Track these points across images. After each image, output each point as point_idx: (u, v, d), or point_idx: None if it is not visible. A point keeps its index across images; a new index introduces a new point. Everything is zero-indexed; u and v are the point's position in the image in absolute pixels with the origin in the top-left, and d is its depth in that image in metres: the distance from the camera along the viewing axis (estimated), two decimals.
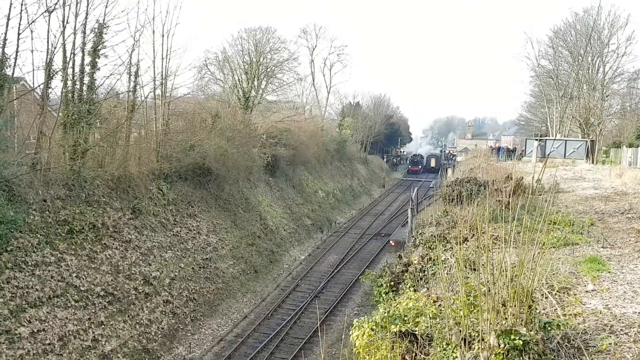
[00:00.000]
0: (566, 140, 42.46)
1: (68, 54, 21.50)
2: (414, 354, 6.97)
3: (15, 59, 19.21)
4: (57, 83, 21.49)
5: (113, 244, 21.36)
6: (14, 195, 18.00)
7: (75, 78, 22.06)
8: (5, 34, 18.65)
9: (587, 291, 8.82)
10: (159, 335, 21.14)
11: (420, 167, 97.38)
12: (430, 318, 7.05)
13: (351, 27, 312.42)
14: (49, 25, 20.21)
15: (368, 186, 70.15)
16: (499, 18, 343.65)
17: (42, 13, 19.84)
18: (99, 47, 22.31)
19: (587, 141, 41.24)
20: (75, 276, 18.66)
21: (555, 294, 8.49)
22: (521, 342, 5.76)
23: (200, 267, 26.30)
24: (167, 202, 26.65)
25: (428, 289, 10.10)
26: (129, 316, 20.18)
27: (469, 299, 6.46)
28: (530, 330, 5.98)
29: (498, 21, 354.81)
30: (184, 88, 65.46)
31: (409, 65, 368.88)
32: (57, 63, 21.13)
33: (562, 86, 53.78)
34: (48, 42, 20.27)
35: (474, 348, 5.89)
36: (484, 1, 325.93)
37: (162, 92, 29.28)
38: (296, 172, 47.77)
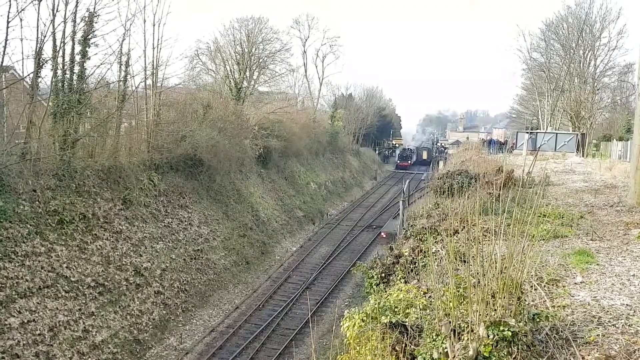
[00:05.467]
0: (557, 134, 42.67)
1: (58, 43, 21.28)
2: (403, 345, 7.00)
3: (5, 47, 18.99)
4: (47, 72, 21.35)
5: (104, 235, 21.27)
6: (4, 185, 17.86)
7: (65, 67, 21.84)
8: None
9: (575, 283, 8.89)
10: (150, 326, 21.13)
11: (409, 162, 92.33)
12: (420, 309, 7.09)
13: (344, 19, 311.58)
14: (38, 13, 19.99)
15: (360, 178, 70.23)
16: (491, 11, 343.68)
17: (32, 1, 19.59)
18: (90, 36, 22.07)
19: (577, 134, 41.46)
20: (66, 267, 18.58)
21: (544, 285, 8.56)
22: (510, 333, 5.80)
23: (191, 258, 26.27)
24: (158, 193, 26.54)
25: (418, 280, 10.15)
26: (119, 307, 20.15)
27: (458, 291, 6.49)
28: (519, 322, 6.02)
29: (490, 14, 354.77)
30: (175, 78, 64.85)
31: (401, 57, 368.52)
32: (47, 52, 20.95)
33: (554, 79, 53.95)
34: (38, 30, 20.06)
35: (464, 339, 5.93)
36: None
37: (153, 82, 29.07)
38: (288, 164, 47.72)
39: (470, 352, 5.82)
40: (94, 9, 22.02)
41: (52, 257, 18.27)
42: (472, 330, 5.91)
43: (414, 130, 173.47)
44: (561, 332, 6.73)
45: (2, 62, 19.29)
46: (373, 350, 7.06)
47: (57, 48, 21.30)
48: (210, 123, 32.81)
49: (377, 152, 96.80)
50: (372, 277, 13.70)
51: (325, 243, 38.04)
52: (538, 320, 6.41)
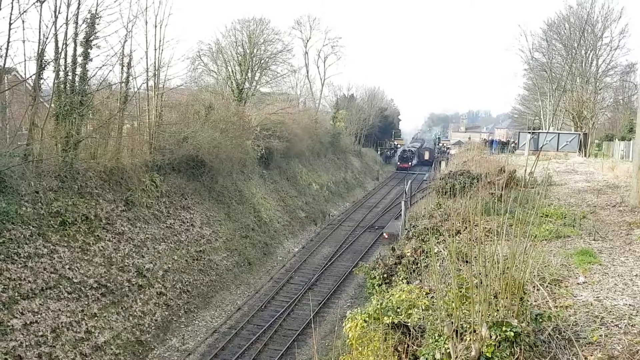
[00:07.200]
0: (559, 133, 42.58)
1: (60, 45, 21.30)
2: (406, 345, 7.01)
3: (7, 49, 19.02)
4: (49, 74, 21.32)
5: (106, 236, 21.30)
6: (6, 186, 17.89)
7: (67, 69, 21.86)
8: None
9: (578, 283, 8.88)
10: (153, 327, 21.14)
11: (410, 163, 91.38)
12: (422, 310, 7.09)
13: (345, 19, 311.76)
14: (40, 15, 20.00)
15: (362, 179, 70.22)
16: (493, 11, 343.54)
17: (34, 3, 19.63)
18: (91, 38, 22.10)
19: (579, 134, 41.39)
20: (68, 268, 18.60)
21: (547, 286, 8.55)
22: (512, 334, 5.80)
23: (193, 259, 26.28)
24: (160, 194, 26.57)
25: (421, 281, 10.14)
26: (122, 308, 20.17)
27: (461, 291, 6.49)
28: (522, 322, 6.02)
29: (492, 14, 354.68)
30: (177, 79, 65.22)
31: (403, 58, 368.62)
32: (49, 54, 20.95)
33: (556, 79, 53.90)
34: (40, 32, 20.08)
35: (466, 339, 5.93)
36: None
37: (155, 83, 29.10)
38: (290, 165, 47.72)
39: (473, 353, 5.82)
40: (96, 10, 22.05)
41: (54, 258, 18.30)
42: (474, 331, 5.91)
43: (416, 130, 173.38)
44: (564, 332, 6.72)
45: (4, 64, 19.34)
46: (375, 350, 7.07)
47: (59, 50, 21.33)
48: (212, 124, 32.84)
49: (379, 152, 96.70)
50: (375, 277, 13.71)
51: (328, 244, 38.01)
52: (540, 320, 6.41)
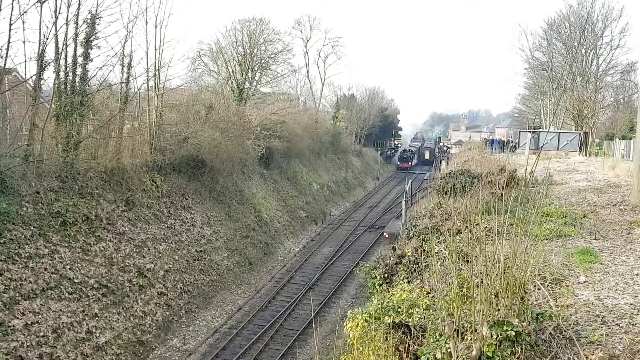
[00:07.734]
0: (559, 133, 42.56)
1: (60, 45, 21.31)
2: (407, 345, 7.01)
3: (7, 50, 19.00)
4: (49, 74, 21.31)
5: (107, 236, 21.30)
6: (7, 187, 17.90)
7: (67, 69, 21.87)
8: None
9: (579, 282, 8.88)
10: (154, 327, 21.15)
11: (410, 163, 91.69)
12: (423, 309, 7.10)
13: (345, 19, 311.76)
14: (40, 15, 20.00)
15: (362, 178, 70.22)
16: (493, 11, 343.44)
17: (34, 3, 19.63)
18: (92, 38, 22.11)
19: (580, 133, 41.36)
20: (69, 268, 18.61)
21: (548, 285, 8.55)
22: (513, 333, 5.80)
23: (194, 259, 26.29)
24: (160, 194, 26.57)
25: (421, 280, 10.15)
26: (123, 308, 20.18)
27: (462, 291, 6.49)
28: (523, 322, 6.02)
29: (492, 14, 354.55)
30: (178, 79, 64.96)
31: (403, 58, 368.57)
32: (50, 54, 20.95)
33: (556, 78, 53.88)
34: (40, 33, 20.07)
35: (467, 339, 5.93)
36: None
37: (155, 83, 29.08)
38: (290, 165, 47.72)
39: (474, 352, 5.82)
40: (96, 11, 22.06)
41: (55, 258, 18.31)
42: (475, 330, 5.92)
43: (417, 129, 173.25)
44: (565, 331, 6.72)
45: (4, 65, 19.33)
46: (376, 350, 7.07)
47: (60, 50, 21.34)
48: (212, 124, 32.85)
49: (379, 152, 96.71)
50: (375, 277, 13.72)
51: (328, 243, 38.01)
52: (541, 319, 6.41)
